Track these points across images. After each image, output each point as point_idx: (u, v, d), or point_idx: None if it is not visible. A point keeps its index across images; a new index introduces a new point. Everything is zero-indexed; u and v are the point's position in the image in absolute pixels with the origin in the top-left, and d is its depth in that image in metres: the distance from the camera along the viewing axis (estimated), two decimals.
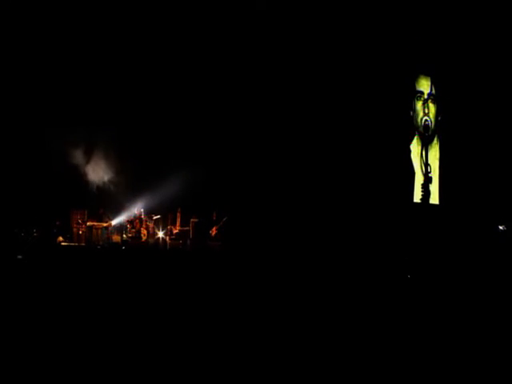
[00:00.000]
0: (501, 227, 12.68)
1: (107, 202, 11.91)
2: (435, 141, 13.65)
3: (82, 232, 11.25)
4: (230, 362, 4.52)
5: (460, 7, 12.02)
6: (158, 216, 12.13)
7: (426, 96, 13.37)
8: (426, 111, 13.36)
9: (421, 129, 13.26)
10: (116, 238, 11.66)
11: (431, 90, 13.59)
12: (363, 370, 4.41)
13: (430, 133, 13.41)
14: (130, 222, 11.74)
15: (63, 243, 11.02)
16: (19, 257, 9.19)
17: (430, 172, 13.11)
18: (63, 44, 10.91)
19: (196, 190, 12.05)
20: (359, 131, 11.80)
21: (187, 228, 12.24)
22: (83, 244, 11.09)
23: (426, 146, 13.15)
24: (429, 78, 13.58)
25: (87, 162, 12.12)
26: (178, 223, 12.23)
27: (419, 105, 13.36)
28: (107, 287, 7.57)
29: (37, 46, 10.73)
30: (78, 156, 12.03)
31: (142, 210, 11.88)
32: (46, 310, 6.14)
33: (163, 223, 12.26)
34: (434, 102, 13.55)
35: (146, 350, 4.72)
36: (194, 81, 11.61)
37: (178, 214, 12.25)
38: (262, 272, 8.74)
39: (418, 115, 13.34)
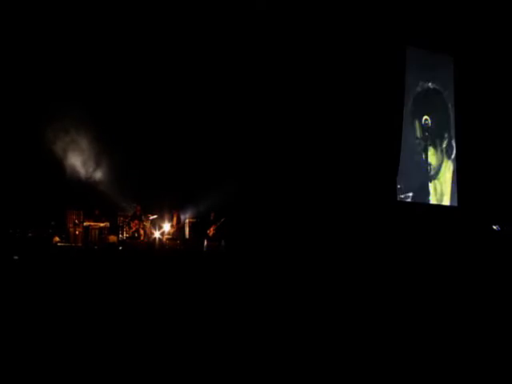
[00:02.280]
0: (495, 227, 12.80)
1: (103, 201, 11.83)
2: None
3: (79, 232, 11.17)
4: (231, 364, 4.53)
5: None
6: (155, 216, 12.08)
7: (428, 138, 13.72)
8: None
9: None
10: (112, 238, 11.57)
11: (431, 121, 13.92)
12: (363, 370, 4.44)
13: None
14: (127, 222, 11.69)
15: (59, 244, 10.94)
16: (15, 257, 9.12)
17: (430, 171, 13.32)
18: (62, 44, 10.86)
19: (193, 190, 12.08)
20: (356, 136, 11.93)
21: (184, 228, 12.23)
22: (80, 244, 11.01)
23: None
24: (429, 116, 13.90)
25: (83, 160, 12.05)
26: (174, 223, 12.19)
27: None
28: (106, 288, 7.55)
29: (36, 46, 10.67)
30: (74, 155, 11.96)
31: (140, 209, 11.82)
32: (44, 311, 6.11)
33: (160, 223, 12.22)
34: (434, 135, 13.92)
35: (145, 352, 4.72)
36: (191, 80, 11.63)
37: (175, 214, 12.21)
38: (254, 272, 8.77)
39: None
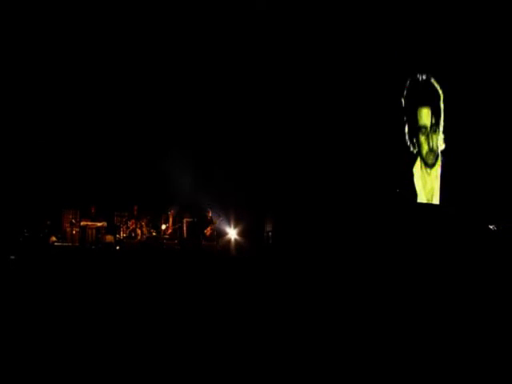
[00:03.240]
0: (491, 227, 12.82)
1: (100, 201, 11.80)
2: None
3: (76, 232, 11.13)
4: (230, 365, 4.53)
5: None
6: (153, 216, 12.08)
7: (429, 129, 13.59)
8: (431, 144, 13.62)
9: (426, 160, 13.58)
10: (109, 238, 11.55)
11: (432, 120, 13.79)
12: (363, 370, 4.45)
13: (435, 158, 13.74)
14: (124, 221, 11.67)
15: (56, 243, 10.91)
16: (12, 257, 9.08)
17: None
18: (63, 44, 10.83)
19: (190, 188, 12.09)
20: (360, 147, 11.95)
21: (181, 228, 12.21)
22: (77, 244, 10.98)
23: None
24: (429, 108, 13.77)
25: (78, 159, 12.02)
26: (170, 223, 12.17)
27: (423, 138, 13.58)
28: (103, 288, 7.53)
29: (36, 47, 10.64)
30: (69, 153, 11.93)
31: (137, 209, 11.79)
32: (41, 311, 6.09)
33: (157, 223, 12.20)
34: (435, 132, 13.80)
35: (143, 352, 4.70)
36: (191, 79, 11.64)
37: (171, 214, 12.19)
38: (262, 273, 8.77)
39: (422, 148, 13.56)
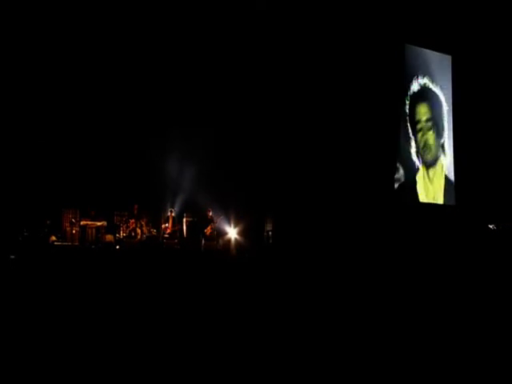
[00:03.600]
0: (491, 226, 12.85)
1: (100, 200, 11.78)
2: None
3: (76, 231, 11.10)
4: (230, 365, 4.53)
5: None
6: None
7: (424, 124, 13.63)
8: (426, 138, 13.64)
9: (425, 158, 13.61)
10: (109, 237, 11.52)
11: (429, 114, 13.84)
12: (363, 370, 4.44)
13: (432, 157, 13.75)
14: (124, 221, 11.65)
15: (56, 243, 10.88)
16: (12, 257, 9.08)
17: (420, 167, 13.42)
18: (63, 44, 10.82)
19: (190, 188, 12.08)
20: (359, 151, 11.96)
21: (181, 227, 12.21)
22: (77, 244, 10.96)
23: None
24: (426, 104, 13.83)
25: (78, 159, 11.99)
26: (170, 222, 12.16)
27: (420, 134, 13.62)
28: (103, 288, 7.53)
29: (36, 47, 10.63)
30: (69, 153, 11.90)
31: (137, 208, 11.78)
32: (41, 310, 6.08)
33: (157, 222, 12.19)
34: (432, 127, 13.83)
35: (143, 352, 4.70)
36: (192, 80, 11.63)
37: (171, 213, 12.19)
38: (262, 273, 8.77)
39: (420, 142, 13.59)
